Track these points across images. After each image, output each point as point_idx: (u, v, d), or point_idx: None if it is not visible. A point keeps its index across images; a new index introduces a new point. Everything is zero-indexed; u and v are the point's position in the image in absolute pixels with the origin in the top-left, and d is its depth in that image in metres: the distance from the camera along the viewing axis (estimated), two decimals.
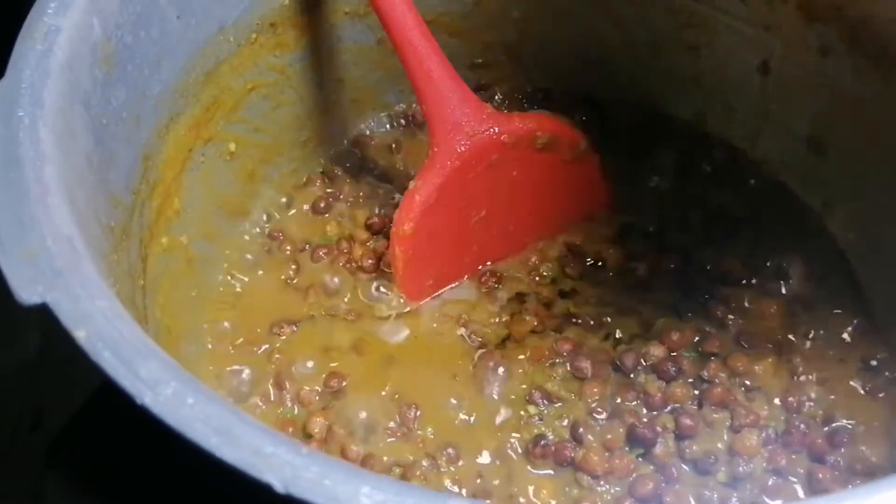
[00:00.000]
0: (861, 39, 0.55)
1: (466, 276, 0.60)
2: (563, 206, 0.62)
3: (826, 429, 0.53)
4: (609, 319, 0.58)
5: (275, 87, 0.60)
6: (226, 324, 0.58)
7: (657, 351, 0.55)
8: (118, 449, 0.43)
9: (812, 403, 0.54)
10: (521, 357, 0.56)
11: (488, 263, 0.61)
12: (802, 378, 0.55)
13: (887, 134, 0.56)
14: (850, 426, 0.53)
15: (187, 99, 0.53)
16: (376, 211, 0.63)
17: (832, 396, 0.54)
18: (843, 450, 0.52)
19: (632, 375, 0.55)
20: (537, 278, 0.60)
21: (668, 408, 0.54)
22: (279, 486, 0.28)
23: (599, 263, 0.61)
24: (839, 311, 0.58)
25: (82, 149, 0.41)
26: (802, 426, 0.53)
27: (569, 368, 0.55)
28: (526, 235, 0.61)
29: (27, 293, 0.32)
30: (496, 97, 0.69)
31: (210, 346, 0.57)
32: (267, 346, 0.57)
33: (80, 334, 0.32)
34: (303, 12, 0.59)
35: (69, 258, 0.34)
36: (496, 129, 0.57)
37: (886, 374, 0.55)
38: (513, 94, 0.69)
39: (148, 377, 0.31)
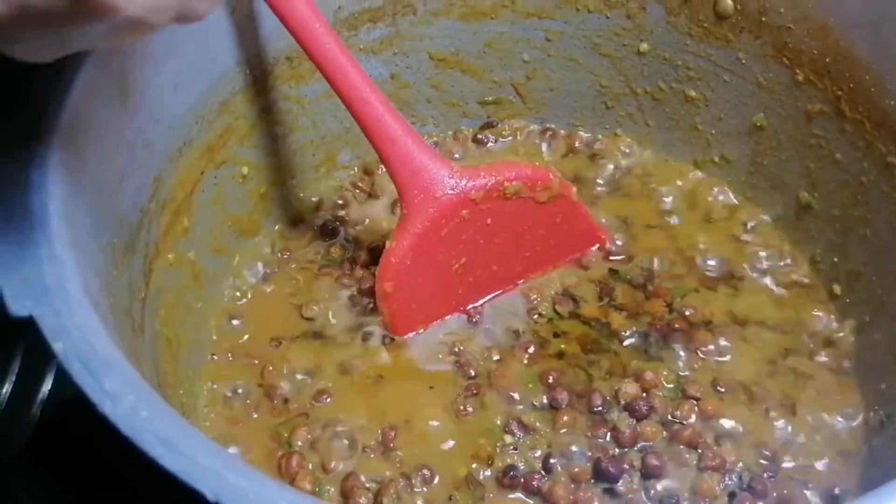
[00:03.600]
0: (845, 102, 0.57)
1: (459, 312, 0.62)
2: (549, 244, 0.63)
3: (795, 479, 0.55)
4: (590, 357, 0.60)
5: (289, 114, 0.64)
6: (228, 335, 0.62)
7: (630, 388, 0.57)
8: (81, 455, 0.46)
9: (784, 453, 0.55)
10: (505, 388, 0.59)
11: (480, 301, 0.63)
12: (778, 427, 0.56)
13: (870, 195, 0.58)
14: (820, 476, 0.55)
15: (201, 126, 0.57)
16: (381, 236, 0.66)
17: (806, 447, 0.56)
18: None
19: (604, 411, 0.57)
20: (535, 316, 0.62)
21: (638, 445, 0.56)
22: (210, 496, 0.31)
23: (586, 304, 0.63)
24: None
25: (91, 174, 0.45)
26: (771, 474, 0.54)
27: (545, 400, 0.58)
28: (514, 275, 0.63)
29: (17, 307, 0.37)
30: (504, 133, 0.72)
31: (210, 357, 0.60)
32: (263, 358, 0.60)
33: (58, 346, 0.36)
34: None
35: (58, 276, 0.38)
36: (463, 186, 0.58)
37: (862, 430, 0.56)
38: (520, 130, 0.72)
39: (111, 389, 0.35)
